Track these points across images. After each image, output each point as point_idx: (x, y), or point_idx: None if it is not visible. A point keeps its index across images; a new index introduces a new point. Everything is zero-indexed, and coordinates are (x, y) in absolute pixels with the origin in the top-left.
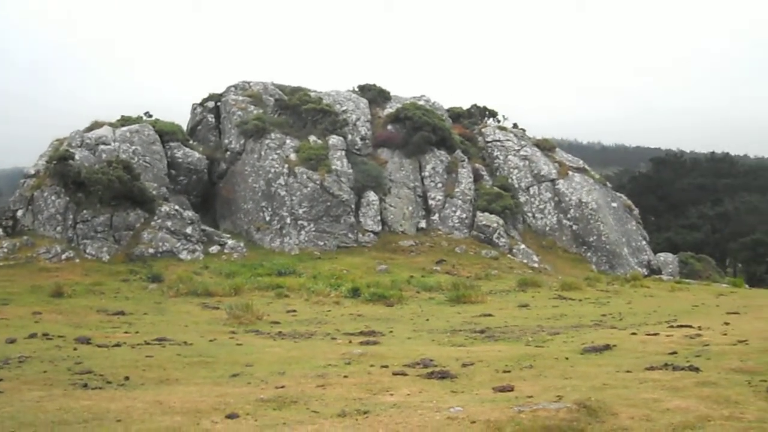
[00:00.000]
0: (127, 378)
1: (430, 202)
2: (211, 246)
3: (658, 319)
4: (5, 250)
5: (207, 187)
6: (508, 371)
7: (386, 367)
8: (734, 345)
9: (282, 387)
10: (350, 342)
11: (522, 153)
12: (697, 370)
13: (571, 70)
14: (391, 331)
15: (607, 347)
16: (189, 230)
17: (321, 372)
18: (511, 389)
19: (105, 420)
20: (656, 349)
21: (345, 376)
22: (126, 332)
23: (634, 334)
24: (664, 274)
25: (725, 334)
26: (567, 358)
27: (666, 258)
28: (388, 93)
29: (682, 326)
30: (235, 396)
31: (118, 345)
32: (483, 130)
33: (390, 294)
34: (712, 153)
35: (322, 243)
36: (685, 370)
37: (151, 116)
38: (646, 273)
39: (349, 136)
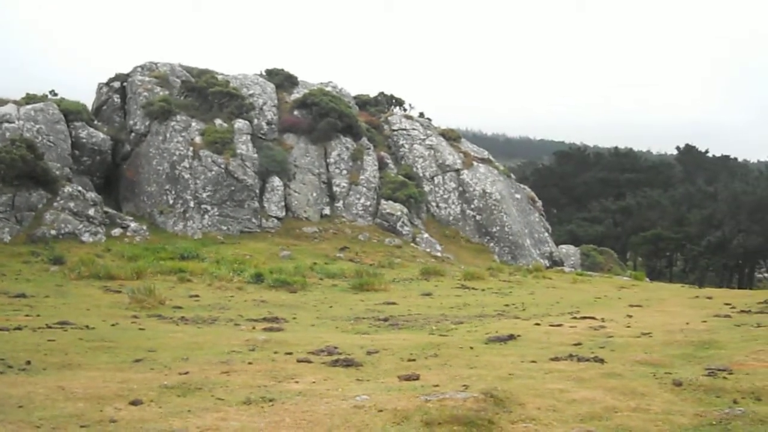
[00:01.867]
0: (28, 362)
1: (335, 188)
2: (114, 228)
3: (561, 311)
4: None
5: (111, 169)
6: (413, 360)
7: (290, 354)
8: (638, 337)
9: (186, 373)
10: (254, 328)
11: (427, 142)
12: (602, 361)
13: (480, 61)
14: (294, 318)
15: (511, 337)
16: (91, 212)
17: (225, 358)
18: (417, 378)
19: (6, 406)
20: (560, 340)
21: (249, 363)
22: (27, 315)
23: (537, 324)
24: (566, 266)
25: (629, 327)
26: (472, 348)
27: (568, 250)
28: (296, 78)
29: (585, 318)
30: (139, 382)
31: (19, 328)
32: (389, 118)
33: (293, 280)
34: (616, 148)
35: (225, 227)
36: (590, 361)
37: (56, 95)
38: (548, 264)
39: (255, 121)
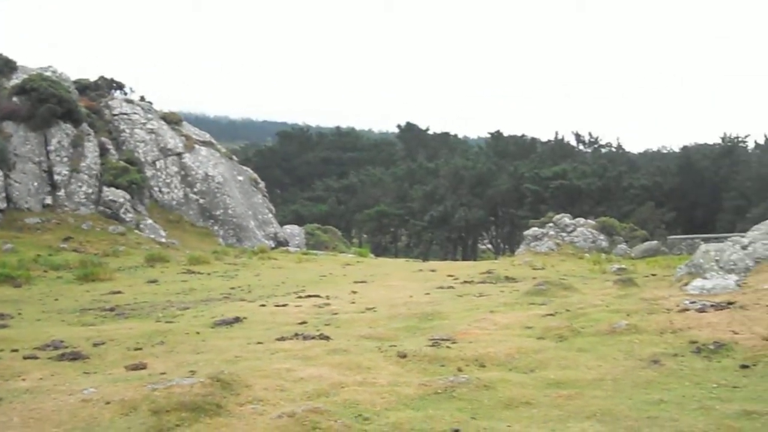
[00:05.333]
0: None
1: (56, 177)
2: None
3: (287, 290)
4: None
5: None
6: (140, 348)
7: (17, 351)
8: (363, 313)
9: None
10: None
11: (149, 126)
12: (327, 338)
13: (198, 41)
14: (20, 313)
15: (237, 320)
16: None
17: None
18: (144, 367)
19: None
20: (286, 320)
21: None
22: None
23: (263, 305)
24: (291, 246)
25: (353, 303)
26: (198, 333)
27: (293, 230)
28: (15, 63)
29: (310, 296)
30: None
31: None
32: (110, 102)
33: (17, 274)
34: (338, 127)
35: None
36: (315, 339)
37: None
38: (273, 245)
39: None
